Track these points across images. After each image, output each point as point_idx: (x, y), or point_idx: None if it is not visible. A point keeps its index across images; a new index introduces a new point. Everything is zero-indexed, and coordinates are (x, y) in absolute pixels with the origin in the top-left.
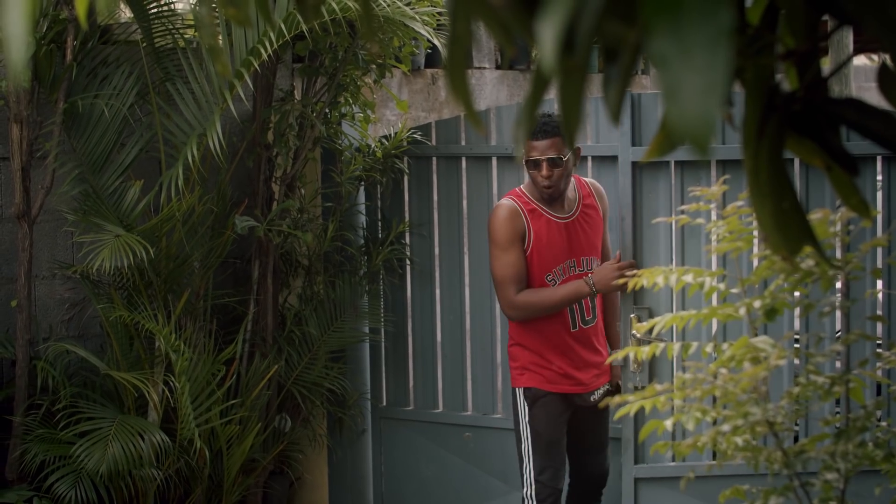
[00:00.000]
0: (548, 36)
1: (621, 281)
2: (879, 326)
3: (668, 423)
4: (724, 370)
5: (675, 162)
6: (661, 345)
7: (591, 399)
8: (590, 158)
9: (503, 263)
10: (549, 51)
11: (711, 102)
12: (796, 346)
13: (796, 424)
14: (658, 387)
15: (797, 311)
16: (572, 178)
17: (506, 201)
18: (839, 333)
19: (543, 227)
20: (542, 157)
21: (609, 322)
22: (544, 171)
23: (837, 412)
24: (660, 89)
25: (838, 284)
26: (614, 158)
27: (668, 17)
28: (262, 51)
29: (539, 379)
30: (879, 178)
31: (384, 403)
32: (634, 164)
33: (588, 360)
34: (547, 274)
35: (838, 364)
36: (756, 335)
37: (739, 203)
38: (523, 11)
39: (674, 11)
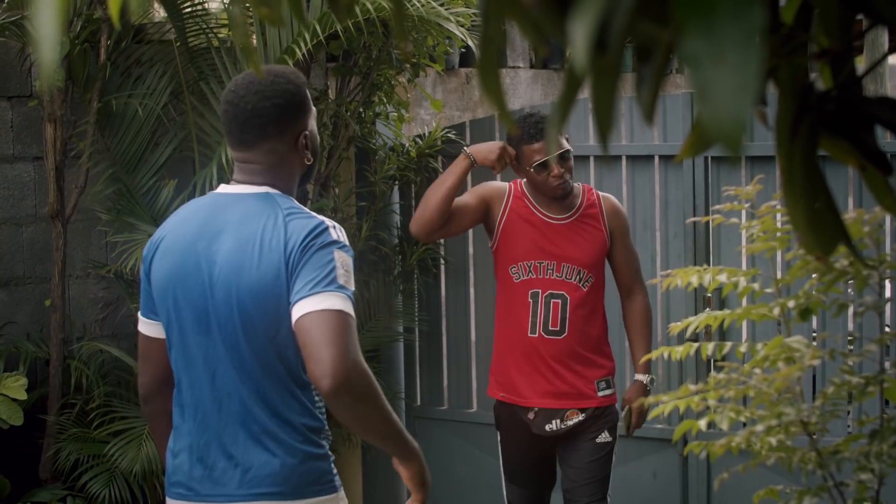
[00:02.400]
0: (580, 35)
1: (495, 156)
2: None
3: (702, 423)
4: (757, 370)
5: (704, 157)
6: (695, 345)
7: (555, 427)
8: (624, 158)
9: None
10: (581, 50)
11: (744, 102)
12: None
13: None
14: (692, 387)
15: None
16: (580, 185)
17: (498, 183)
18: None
19: (522, 217)
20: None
21: (631, 339)
22: (556, 171)
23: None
24: (692, 89)
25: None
26: (650, 158)
27: (700, 17)
28: (296, 50)
29: (495, 386)
30: None
31: (418, 403)
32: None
33: (546, 375)
34: (511, 265)
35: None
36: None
37: (773, 202)
38: (555, 11)
39: (707, 11)
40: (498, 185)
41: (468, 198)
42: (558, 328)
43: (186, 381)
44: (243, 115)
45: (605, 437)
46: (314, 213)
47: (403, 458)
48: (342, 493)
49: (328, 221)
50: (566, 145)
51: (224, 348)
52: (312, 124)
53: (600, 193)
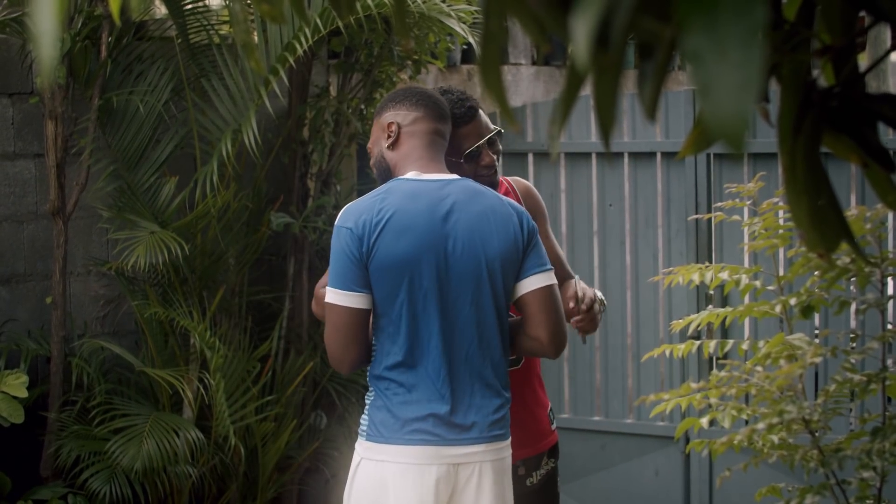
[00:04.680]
0: (581, 32)
1: None
2: None
3: (704, 421)
4: (759, 368)
5: (706, 155)
6: (697, 343)
7: (535, 479)
8: (626, 154)
9: None
10: (583, 47)
11: (746, 99)
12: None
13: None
14: (693, 385)
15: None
16: None
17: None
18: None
19: None
20: (482, 141)
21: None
22: (486, 160)
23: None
24: (694, 86)
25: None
26: (652, 155)
27: (703, 14)
28: (298, 47)
29: None
30: None
31: None
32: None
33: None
34: None
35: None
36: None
37: (775, 199)
38: (557, 7)
39: (709, 8)
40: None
41: None
42: (513, 357)
43: (426, 346)
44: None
45: (550, 463)
46: None
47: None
48: None
49: None
50: (490, 125)
51: (470, 307)
52: None
53: (510, 178)
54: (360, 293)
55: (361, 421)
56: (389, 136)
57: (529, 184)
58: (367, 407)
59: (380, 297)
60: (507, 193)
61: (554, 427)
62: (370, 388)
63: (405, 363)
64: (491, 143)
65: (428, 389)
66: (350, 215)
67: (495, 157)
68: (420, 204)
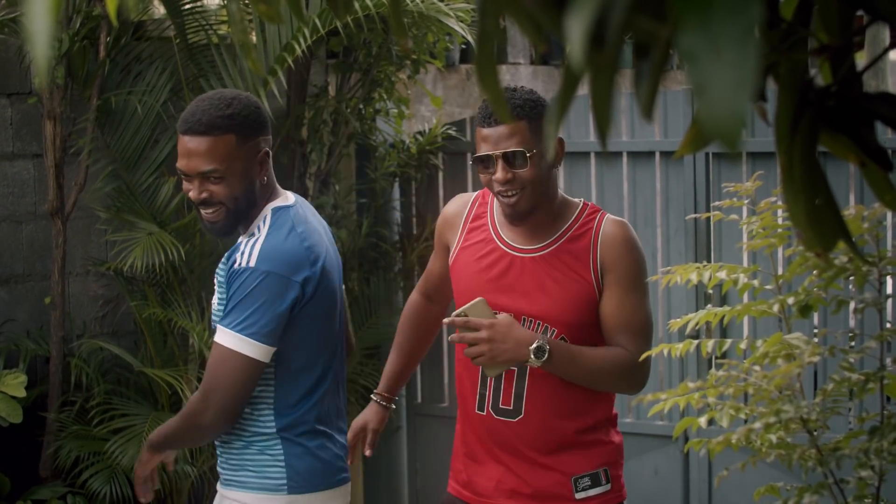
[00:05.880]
0: (577, 31)
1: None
2: None
3: (702, 421)
4: (757, 367)
5: (705, 154)
6: (695, 342)
7: None
8: (625, 154)
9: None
10: (579, 47)
11: (742, 98)
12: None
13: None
14: (691, 384)
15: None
16: (567, 199)
17: (464, 194)
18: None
19: (476, 247)
20: (496, 152)
21: None
22: (499, 174)
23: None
24: (690, 85)
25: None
26: (650, 154)
27: (698, 13)
28: (296, 47)
29: (450, 472)
30: None
31: (419, 400)
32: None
33: (505, 466)
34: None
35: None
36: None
37: (773, 199)
38: (553, 7)
39: (704, 7)
40: (457, 202)
41: (433, 258)
42: (511, 406)
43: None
44: None
45: None
46: None
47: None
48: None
49: None
50: (514, 145)
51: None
52: None
53: (608, 218)
54: (272, 347)
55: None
56: (263, 166)
57: (625, 233)
58: (269, 458)
59: (302, 343)
60: (581, 234)
61: (582, 496)
62: (269, 441)
63: (321, 402)
64: (513, 161)
65: (341, 425)
66: (288, 265)
67: (516, 181)
68: (324, 235)
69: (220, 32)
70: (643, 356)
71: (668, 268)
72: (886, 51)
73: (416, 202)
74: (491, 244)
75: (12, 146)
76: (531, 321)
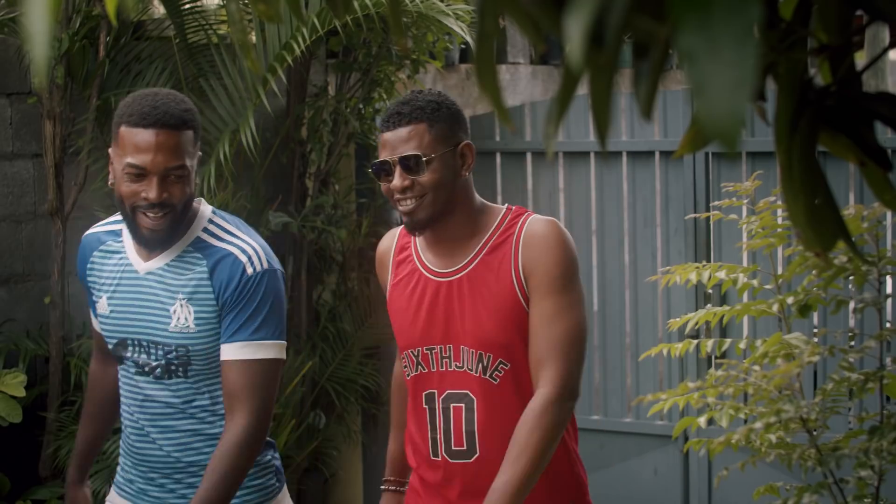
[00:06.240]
0: (575, 31)
1: None
2: None
3: (702, 420)
4: (756, 367)
5: (705, 153)
6: (695, 342)
7: None
8: (624, 154)
9: None
10: (577, 46)
11: (740, 98)
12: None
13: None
14: (691, 384)
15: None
16: (489, 207)
17: (393, 230)
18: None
19: (404, 281)
20: (393, 157)
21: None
22: (396, 181)
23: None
24: (689, 85)
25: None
26: (650, 154)
27: (696, 12)
28: (296, 46)
29: None
30: None
31: None
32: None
33: None
34: (401, 356)
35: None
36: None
37: (772, 198)
38: (551, 6)
39: (703, 6)
40: (385, 240)
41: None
42: (464, 447)
43: None
44: None
45: None
46: None
47: None
48: None
49: None
50: (411, 149)
51: None
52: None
53: (534, 218)
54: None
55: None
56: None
57: (551, 231)
58: (259, 468)
59: None
60: (502, 242)
61: None
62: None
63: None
64: (411, 166)
65: None
66: (275, 261)
67: (415, 189)
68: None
69: (219, 32)
70: (566, 386)
71: (668, 268)
72: (886, 50)
73: None
74: (416, 274)
75: (12, 146)
76: (468, 350)
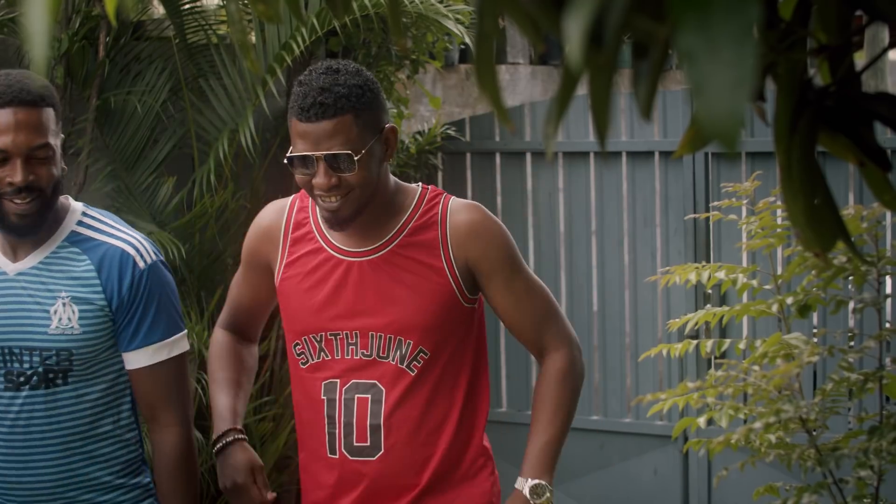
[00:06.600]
0: (574, 31)
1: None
2: None
3: (702, 421)
4: (756, 367)
5: (704, 154)
6: (694, 342)
7: None
8: (624, 154)
9: (234, 279)
10: (577, 46)
11: (739, 98)
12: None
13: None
14: (690, 384)
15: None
16: (403, 186)
17: (279, 201)
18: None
19: (304, 259)
20: (317, 153)
21: (533, 414)
22: (320, 179)
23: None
24: (688, 85)
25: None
26: (650, 154)
27: (696, 12)
28: (295, 47)
29: None
30: None
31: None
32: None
33: None
34: (295, 342)
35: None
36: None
37: (772, 199)
38: (551, 6)
39: (702, 6)
40: (271, 211)
41: (248, 275)
42: (367, 443)
43: None
44: None
45: None
46: None
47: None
48: None
49: None
50: (338, 146)
51: None
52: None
53: (455, 202)
54: None
55: None
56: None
57: (481, 217)
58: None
59: None
60: (426, 226)
61: None
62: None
63: None
64: (338, 164)
65: None
66: (159, 251)
67: (342, 186)
68: None
69: (219, 32)
70: (572, 340)
71: (668, 268)
72: (885, 51)
73: None
74: (321, 253)
75: None
76: (381, 336)
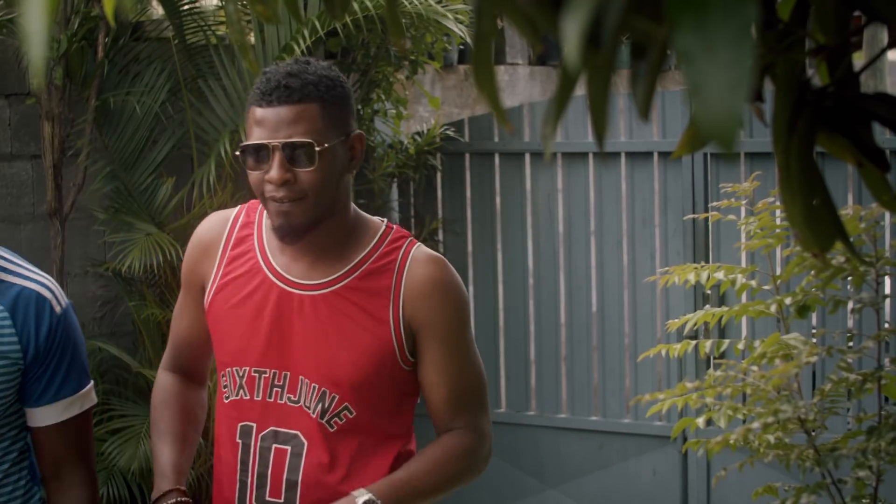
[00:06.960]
0: (572, 32)
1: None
2: None
3: (700, 421)
4: (755, 367)
5: (703, 154)
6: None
7: None
8: (623, 154)
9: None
10: (575, 47)
11: (737, 99)
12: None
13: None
14: (689, 384)
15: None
16: (365, 219)
17: (222, 212)
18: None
19: (239, 281)
20: (274, 141)
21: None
22: (274, 172)
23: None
24: (685, 86)
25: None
26: (649, 154)
27: (693, 13)
28: (294, 47)
29: None
30: None
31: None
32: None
33: None
34: (221, 371)
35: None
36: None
37: (770, 199)
38: (549, 7)
39: (700, 6)
40: (212, 222)
41: (188, 300)
42: (281, 500)
43: None
44: None
45: None
46: None
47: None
48: None
49: None
50: (298, 133)
51: None
52: None
53: (419, 251)
54: None
55: None
56: None
57: (443, 272)
58: None
59: None
60: (382, 269)
61: None
62: None
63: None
64: (297, 155)
65: None
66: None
67: (298, 183)
68: None
69: (218, 33)
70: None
71: (667, 268)
72: (884, 51)
73: (415, 203)
74: (258, 276)
75: (10, 147)
76: (312, 385)
